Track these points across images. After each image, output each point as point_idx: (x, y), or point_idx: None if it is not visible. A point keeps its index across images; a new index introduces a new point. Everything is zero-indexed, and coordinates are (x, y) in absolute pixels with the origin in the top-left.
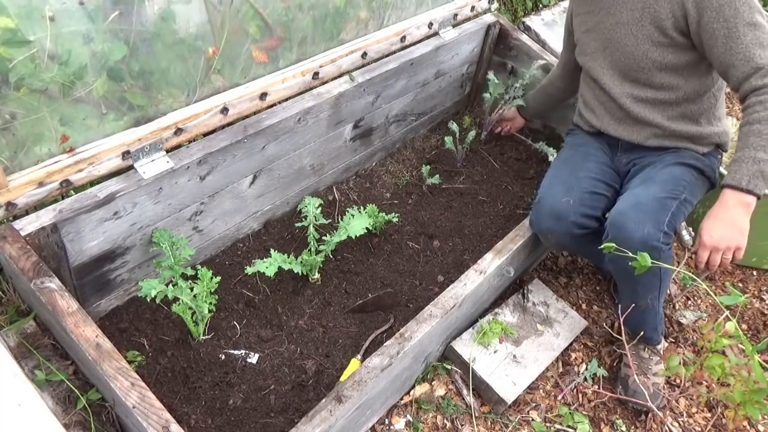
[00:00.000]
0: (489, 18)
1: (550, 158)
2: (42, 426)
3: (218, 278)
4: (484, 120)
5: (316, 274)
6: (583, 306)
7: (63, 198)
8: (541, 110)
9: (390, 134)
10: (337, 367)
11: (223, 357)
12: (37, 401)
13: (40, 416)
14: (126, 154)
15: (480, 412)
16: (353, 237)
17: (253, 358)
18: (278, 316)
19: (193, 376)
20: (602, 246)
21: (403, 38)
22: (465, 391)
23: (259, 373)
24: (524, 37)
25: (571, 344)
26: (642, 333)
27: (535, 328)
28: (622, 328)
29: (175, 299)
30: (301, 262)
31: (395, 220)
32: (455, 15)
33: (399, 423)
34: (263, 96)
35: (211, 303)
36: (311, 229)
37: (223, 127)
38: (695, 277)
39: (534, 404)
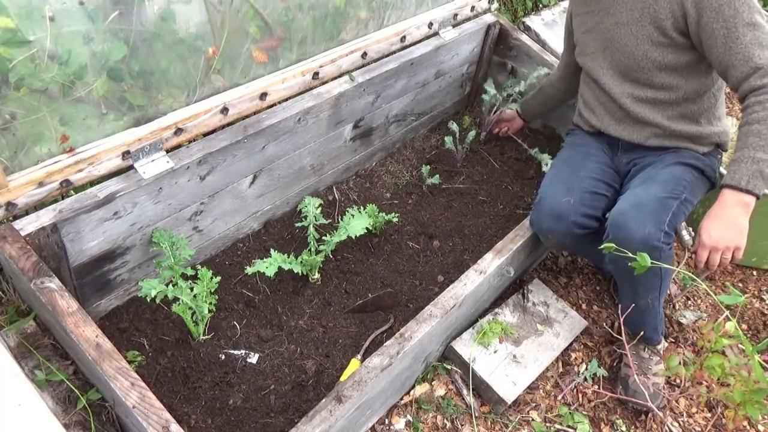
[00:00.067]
0: (489, 18)
1: (544, 167)
2: (42, 426)
3: (218, 278)
4: (484, 120)
5: (316, 274)
6: (583, 306)
7: (63, 198)
8: (540, 111)
9: (390, 134)
10: (337, 367)
11: (223, 357)
12: (37, 401)
13: (40, 416)
14: (126, 154)
15: (480, 412)
16: (353, 237)
17: (253, 358)
18: (278, 316)
19: (193, 376)
20: (602, 246)
21: (403, 38)
22: (465, 391)
23: (259, 373)
24: (524, 37)
25: (571, 344)
26: (642, 333)
27: (535, 328)
28: (622, 328)
29: (175, 299)
30: (301, 262)
31: (395, 220)
32: (455, 15)
33: (399, 423)
34: (263, 96)
35: (211, 303)
36: (311, 229)
37: (223, 127)
38: (695, 277)
39: (534, 404)
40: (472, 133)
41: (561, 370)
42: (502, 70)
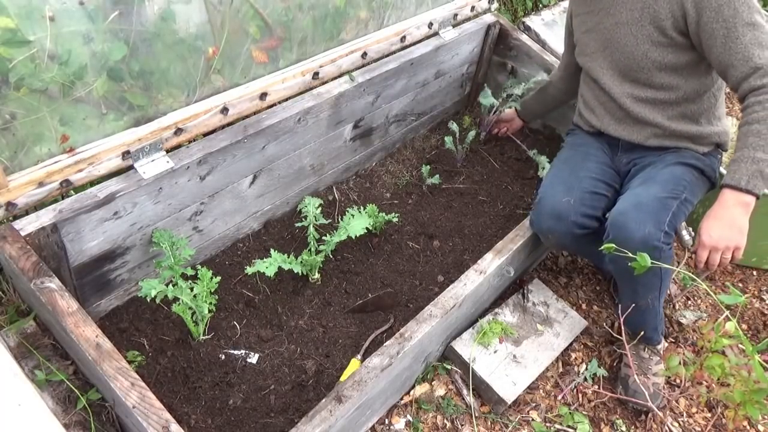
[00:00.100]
0: (489, 18)
1: (541, 171)
2: (42, 426)
3: (218, 278)
4: (483, 121)
5: (316, 274)
6: (583, 306)
7: (63, 198)
8: (541, 112)
9: (390, 134)
10: (337, 367)
11: (223, 357)
12: (37, 401)
13: (40, 416)
14: (126, 154)
15: (480, 412)
16: (353, 237)
17: (253, 358)
18: (278, 316)
19: (193, 376)
20: (603, 247)
21: (403, 38)
22: (465, 391)
23: (259, 373)
24: (524, 37)
25: (571, 344)
26: (642, 333)
27: (535, 328)
28: (622, 328)
29: (175, 299)
30: (301, 262)
31: (395, 220)
32: (455, 15)
33: (399, 423)
34: (263, 96)
35: (211, 303)
36: (311, 229)
37: (223, 127)
38: (695, 277)
39: (534, 404)
40: (472, 133)
41: (561, 370)
42: (502, 70)
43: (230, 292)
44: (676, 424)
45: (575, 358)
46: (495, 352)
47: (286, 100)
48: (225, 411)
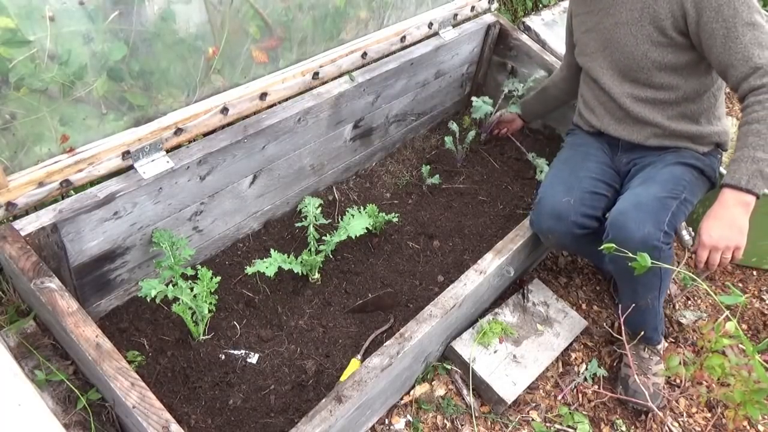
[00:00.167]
0: (489, 18)
1: (539, 175)
2: (42, 426)
3: (218, 278)
4: (484, 121)
5: (316, 274)
6: (583, 306)
7: (63, 198)
8: (541, 112)
9: (390, 134)
10: (337, 367)
11: (223, 357)
12: (37, 401)
13: (40, 416)
14: (126, 154)
15: (480, 412)
16: (353, 237)
17: (253, 358)
18: (278, 316)
19: (193, 376)
20: (603, 246)
21: (403, 38)
22: (465, 391)
23: (259, 373)
24: (524, 37)
25: (571, 344)
26: (642, 333)
27: (535, 328)
28: (623, 328)
29: (175, 299)
30: (301, 262)
31: (395, 220)
32: (455, 15)
33: (399, 423)
34: (263, 96)
35: (211, 303)
36: (311, 229)
37: (223, 127)
38: (695, 277)
39: (534, 404)
40: (472, 133)
41: (561, 370)
42: (502, 70)
43: (230, 292)
44: (676, 424)
45: (575, 358)
46: (495, 352)
47: (286, 100)
48: (225, 411)
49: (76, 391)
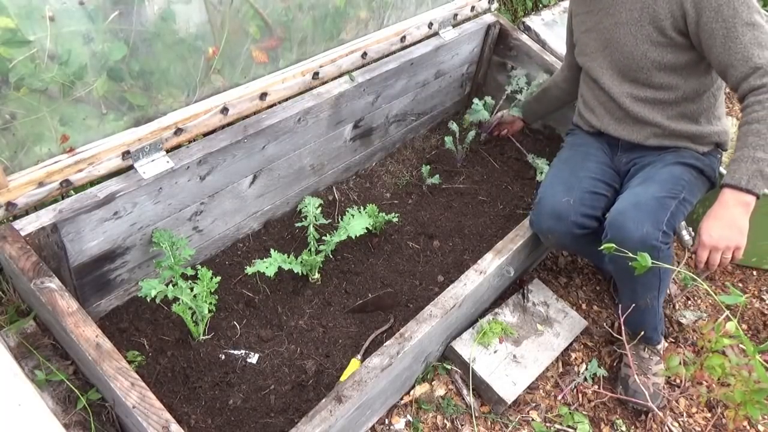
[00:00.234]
0: (489, 18)
1: (538, 176)
2: (42, 426)
3: (218, 278)
4: (484, 122)
5: (316, 274)
6: (583, 306)
7: (63, 198)
8: (542, 113)
9: (390, 134)
10: (337, 367)
11: (223, 357)
12: (37, 401)
13: (40, 416)
14: (126, 154)
15: (480, 412)
16: (353, 237)
17: (253, 358)
18: (278, 316)
19: (193, 376)
20: (602, 246)
21: (403, 38)
22: (465, 391)
23: (259, 373)
24: (524, 37)
25: (571, 344)
26: (642, 333)
27: (535, 328)
28: (622, 328)
29: (175, 299)
30: (301, 262)
31: (395, 220)
32: (455, 15)
33: (399, 423)
34: (263, 96)
35: (211, 303)
36: (311, 229)
37: (223, 127)
38: (695, 277)
39: (534, 404)
40: (472, 133)
41: (561, 370)
42: (502, 70)
43: (230, 292)
44: (676, 424)
45: (575, 358)
46: (495, 352)
47: (286, 100)
48: (225, 411)
49: (76, 391)
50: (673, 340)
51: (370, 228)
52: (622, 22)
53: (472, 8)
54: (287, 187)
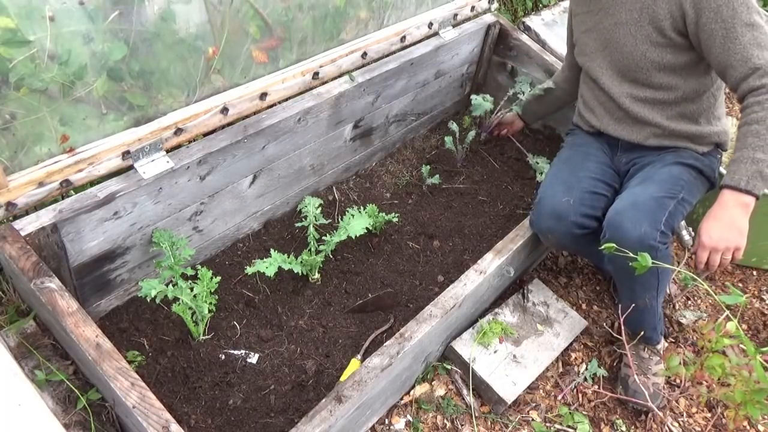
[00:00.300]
0: (489, 18)
1: (538, 176)
2: (42, 426)
3: (218, 278)
4: (484, 122)
5: (316, 274)
6: (583, 306)
7: (63, 198)
8: (542, 113)
9: (390, 134)
10: (337, 367)
11: (223, 357)
12: (37, 401)
13: (40, 416)
14: (126, 154)
15: (480, 412)
16: (353, 237)
17: (253, 358)
18: (278, 316)
19: (193, 376)
20: (602, 246)
21: (403, 38)
22: (465, 391)
23: (259, 373)
24: (524, 37)
25: (571, 344)
26: (642, 333)
27: (535, 328)
28: (622, 328)
29: (175, 299)
30: (301, 262)
31: (395, 220)
32: (455, 15)
33: (399, 423)
34: (263, 96)
35: (211, 303)
36: (311, 229)
37: (223, 127)
38: (696, 277)
39: (534, 404)
40: (472, 133)
41: (561, 370)
42: (502, 70)
43: (230, 292)
44: (676, 424)
45: (575, 358)
46: (495, 352)
47: (286, 100)
48: (225, 411)
49: (76, 391)
50: (673, 340)
51: (370, 228)
52: (621, 22)
53: (472, 8)
54: (287, 187)
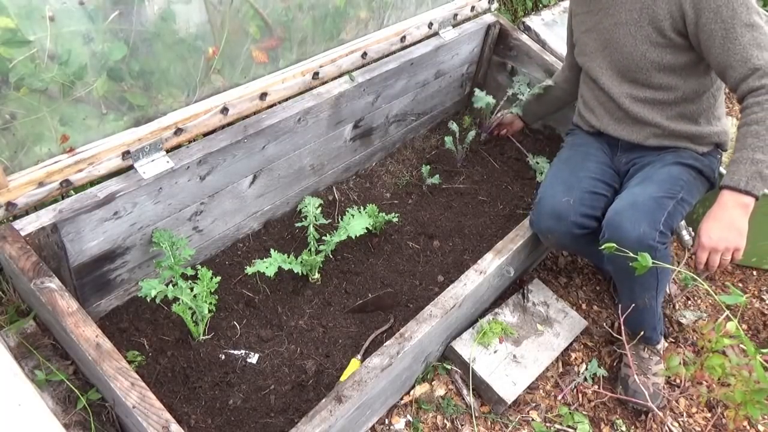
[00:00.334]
0: (489, 18)
1: (538, 176)
2: (42, 426)
3: (218, 278)
4: (484, 122)
5: (316, 274)
6: (583, 306)
7: (63, 198)
8: (542, 113)
9: (390, 134)
10: (337, 367)
11: (223, 357)
12: (37, 401)
13: (40, 416)
14: (126, 154)
15: (480, 412)
16: (353, 237)
17: (253, 358)
18: (278, 316)
19: (193, 376)
20: (602, 246)
21: (403, 38)
22: (465, 391)
23: (259, 373)
24: (524, 37)
25: (571, 344)
26: (642, 333)
27: (535, 328)
28: (622, 328)
29: (175, 299)
30: (301, 262)
31: (395, 220)
32: (455, 15)
33: (399, 423)
34: (263, 96)
35: (211, 303)
36: (311, 229)
37: (223, 127)
38: (696, 277)
39: (534, 404)
40: (472, 133)
41: (561, 370)
42: (502, 70)
43: (230, 292)
44: (676, 424)
45: (575, 358)
46: (495, 352)
47: (286, 100)
48: (225, 411)
49: (76, 391)
50: (673, 340)
51: (370, 228)
52: (621, 23)
53: (472, 8)
54: (287, 187)
